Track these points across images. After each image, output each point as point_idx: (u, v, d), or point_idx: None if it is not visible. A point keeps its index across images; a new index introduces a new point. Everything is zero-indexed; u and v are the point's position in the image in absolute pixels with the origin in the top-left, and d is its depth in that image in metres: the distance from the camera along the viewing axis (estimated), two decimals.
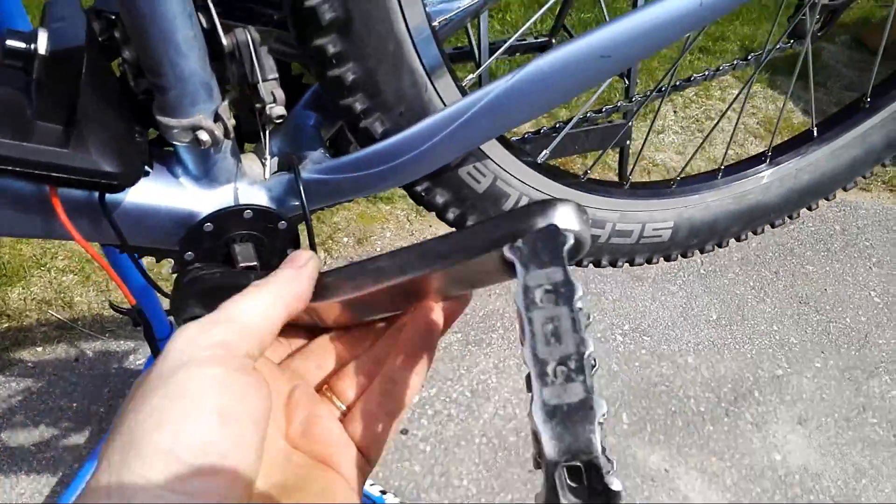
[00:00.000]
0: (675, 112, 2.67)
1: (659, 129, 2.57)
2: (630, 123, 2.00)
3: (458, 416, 1.61)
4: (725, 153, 0.72)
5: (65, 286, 1.70)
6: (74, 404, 1.49)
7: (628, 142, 2.04)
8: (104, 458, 0.27)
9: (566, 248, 0.29)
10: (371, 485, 1.32)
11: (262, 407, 0.30)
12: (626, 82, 1.46)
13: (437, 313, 0.38)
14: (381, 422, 0.37)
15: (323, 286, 0.36)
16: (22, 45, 0.39)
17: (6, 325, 1.60)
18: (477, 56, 1.86)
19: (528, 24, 0.55)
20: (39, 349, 1.58)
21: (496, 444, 1.58)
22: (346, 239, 2.00)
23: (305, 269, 0.36)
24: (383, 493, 1.27)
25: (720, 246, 0.77)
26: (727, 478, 1.60)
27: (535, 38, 2.25)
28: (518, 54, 2.15)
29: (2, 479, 1.35)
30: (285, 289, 0.35)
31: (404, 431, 1.56)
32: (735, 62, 0.67)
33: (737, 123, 0.72)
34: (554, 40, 2.20)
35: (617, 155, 2.30)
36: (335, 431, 0.36)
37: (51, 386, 1.51)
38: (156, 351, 1.34)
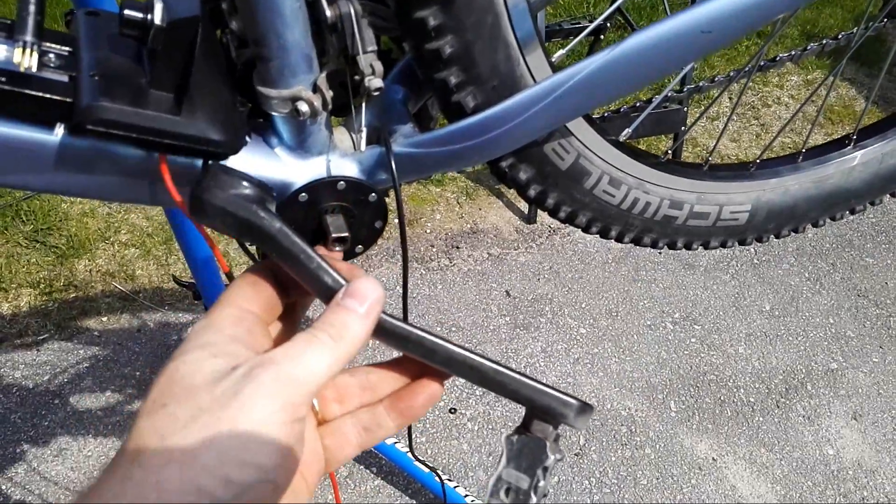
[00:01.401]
0: (730, 98, 2.61)
1: (713, 116, 2.51)
2: (686, 109, 1.97)
3: (506, 399, 1.62)
4: (808, 136, 0.71)
5: (127, 259, 1.76)
6: (137, 373, 1.55)
7: (683, 127, 2.00)
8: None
9: (542, 466, 0.36)
10: (416, 461, 1.34)
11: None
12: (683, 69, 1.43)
13: (440, 390, 0.40)
14: (350, 448, 0.39)
15: (380, 324, 0.36)
16: (139, 15, 0.40)
17: (73, 295, 1.67)
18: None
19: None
20: (104, 319, 1.64)
21: None
22: (396, 220, 2.01)
23: (370, 316, 0.34)
24: (433, 471, 1.28)
25: (796, 231, 0.75)
26: (777, 469, 1.57)
27: (590, 20, 2.21)
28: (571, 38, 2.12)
29: (70, 441, 1.41)
30: (345, 346, 0.33)
31: (452, 410, 1.58)
32: (825, 41, 0.65)
33: (820, 109, 0.70)
34: (609, 24, 2.17)
35: (670, 141, 2.26)
36: (312, 441, 0.37)
37: (115, 354, 1.57)
38: None
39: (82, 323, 1.62)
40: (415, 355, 0.37)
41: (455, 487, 1.37)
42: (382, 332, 0.36)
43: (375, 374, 0.40)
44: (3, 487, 1.35)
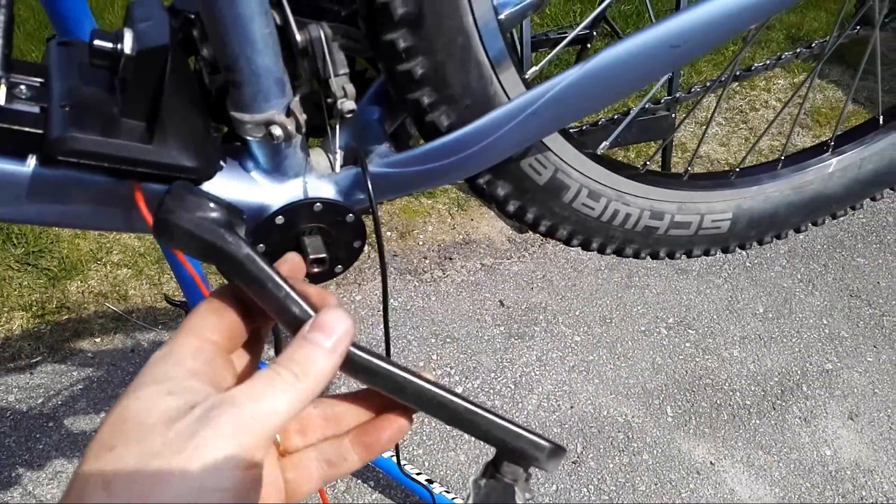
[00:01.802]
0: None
1: (701, 121, 2.53)
2: (674, 115, 1.98)
3: (502, 408, 1.62)
4: (786, 143, 0.71)
5: (120, 279, 1.76)
6: None
7: (672, 134, 2.01)
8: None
9: None
10: (417, 473, 1.33)
11: None
12: (670, 76, 1.44)
13: (407, 425, 0.39)
14: (312, 483, 0.37)
15: (348, 357, 0.35)
16: (109, 45, 0.40)
17: (66, 316, 1.66)
18: (519, 49, 1.85)
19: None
20: (98, 340, 1.64)
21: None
22: (389, 233, 2.01)
23: (336, 350, 0.33)
24: (430, 482, 1.28)
25: (779, 238, 0.76)
26: (775, 472, 1.57)
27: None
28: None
29: (65, 463, 1.41)
30: (309, 384, 0.31)
31: None
32: (798, 50, 0.66)
33: (797, 114, 0.71)
34: (595, 32, 2.18)
35: (656, 146, 2.27)
36: (272, 474, 0.36)
37: (109, 375, 1.57)
38: None
39: (76, 344, 1.62)
40: (383, 391, 0.36)
41: (453, 500, 1.37)
42: (350, 366, 0.35)
43: (340, 405, 0.39)
44: None
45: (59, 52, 0.44)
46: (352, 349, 0.34)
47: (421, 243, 2.01)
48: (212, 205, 0.35)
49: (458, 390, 1.72)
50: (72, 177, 0.43)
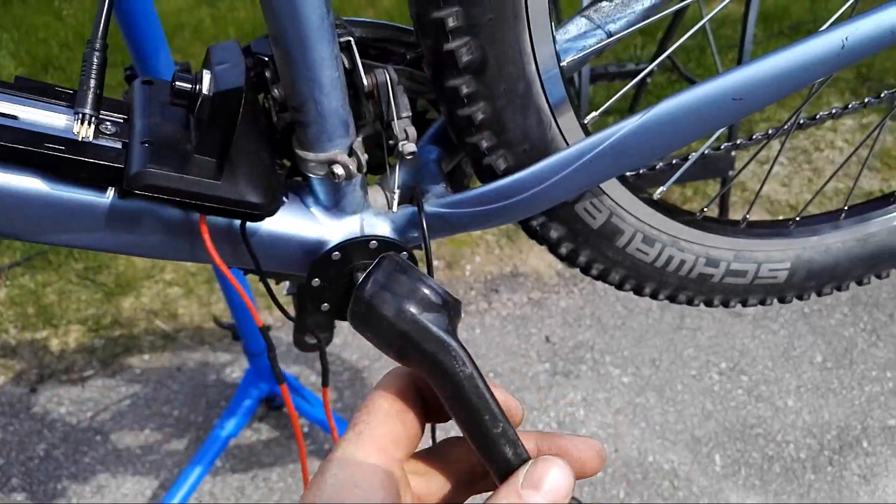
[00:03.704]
0: (780, 142, 2.57)
1: (763, 160, 2.47)
2: (734, 153, 1.95)
3: None
4: (850, 194, 0.69)
5: (170, 298, 1.81)
6: (175, 412, 1.57)
7: (731, 172, 1.98)
8: None
9: None
10: None
11: None
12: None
13: None
14: None
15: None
16: (188, 86, 0.42)
17: (118, 332, 1.72)
18: (578, 83, 1.86)
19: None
20: (146, 357, 1.68)
21: (582, 479, 1.54)
22: (436, 262, 2.02)
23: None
24: None
25: (839, 289, 0.73)
26: None
27: (636, 64, 2.22)
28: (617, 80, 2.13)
29: (109, 478, 1.44)
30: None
31: None
32: (867, 100, 0.64)
33: (867, 158, 0.69)
34: (656, 68, 2.17)
35: (718, 186, 2.23)
36: None
37: (155, 392, 1.61)
38: (253, 364, 1.40)
39: (125, 360, 1.67)
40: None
41: None
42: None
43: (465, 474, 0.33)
44: None
45: (143, 91, 0.47)
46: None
47: (468, 274, 2.01)
48: (430, 295, 0.29)
49: None
50: (145, 209, 0.45)
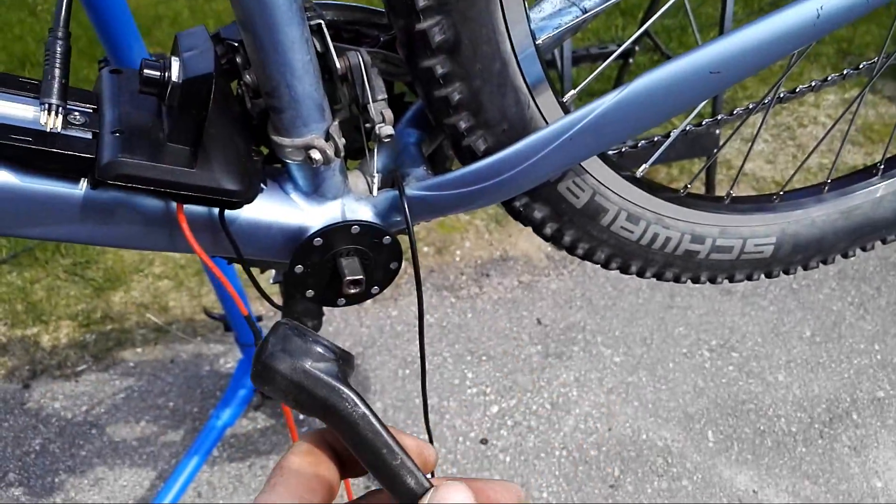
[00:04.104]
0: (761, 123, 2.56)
1: (747, 137, 2.48)
2: (718, 131, 1.94)
3: (538, 429, 1.60)
4: (833, 167, 0.69)
5: (161, 291, 1.80)
6: (171, 403, 1.57)
7: (716, 150, 1.98)
8: None
9: None
10: None
11: None
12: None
13: None
14: None
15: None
16: (157, 74, 0.41)
17: (110, 326, 1.71)
18: (560, 66, 1.85)
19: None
20: (139, 350, 1.68)
21: (576, 458, 1.55)
22: (425, 249, 2.02)
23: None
24: None
25: (825, 263, 0.74)
26: (822, 503, 1.51)
27: (618, 45, 2.21)
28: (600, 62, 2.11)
29: (106, 471, 1.44)
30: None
31: (484, 441, 1.56)
32: (846, 72, 0.64)
33: (846, 133, 0.69)
34: (637, 47, 2.16)
35: (701, 163, 2.23)
36: None
37: (149, 385, 1.60)
38: (246, 354, 1.40)
39: (118, 354, 1.66)
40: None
41: None
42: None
43: None
44: None
45: (111, 80, 0.46)
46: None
47: (458, 259, 2.01)
48: (322, 351, 0.32)
49: (494, 409, 1.71)
50: (120, 199, 0.45)
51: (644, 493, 1.50)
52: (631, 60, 2.11)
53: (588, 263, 0.61)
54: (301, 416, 1.56)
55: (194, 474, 1.36)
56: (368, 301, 1.89)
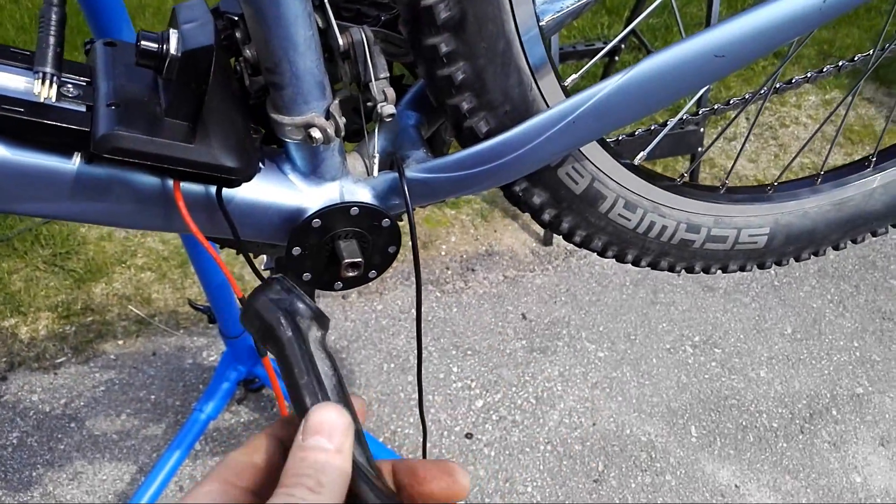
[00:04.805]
0: (747, 118, 2.59)
1: (730, 136, 2.50)
2: (702, 130, 1.96)
3: (523, 423, 1.60)
4: (826, 159, 0.70)
5: (143, 283, 1.77)
6: (152, 396, 1.55)
7: (700, 148, 1.99)
8: None
9: None
10: None
11: None
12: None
13: None
14: None
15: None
16: (155, 46, 0.40)
17: (90, 318, 1.68)
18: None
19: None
20: (120, 342, 1.65)
21: (561, 453, 1.56)
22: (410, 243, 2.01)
23: (342, 451, 0.30)
24: None
25: (816, 254, 0.74)
26: (802, 497, 1.53)
27: (604, 42, 2.22)
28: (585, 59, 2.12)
29: (86, 465, 1.42)
30: (327, 495, 0.29)
31: (469, 436, 1.56)
32: (841, 63, 0.65)
33: (839, 129, 0.69)
34: (623, 45, 2.17)
35: (687, 162, 2.25)
36: None
37: (131, 378, 1.58)
38: (230, 346, 1.38)
39: (99, 346, 1.63)
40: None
41: None
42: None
43: None
44: None
45: (105, 53, 0.45)
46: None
47: (443, 254, 2.01)
48: (288, 295, 0.35)
49: (479, 404, 1.71)
50: (115, 175, 0.43)
51: (628, 488, 1.51)
52: (616, 58, 2.12)
53: (573, 259, 0.61)
54: (289, 407, 1.54)
55: (176, 468, 1.33)
56: (353, 295, 1.87)
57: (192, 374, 1.61)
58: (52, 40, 0.39)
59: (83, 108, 0.42)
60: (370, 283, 1.96)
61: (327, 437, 0.29)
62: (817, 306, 1.96)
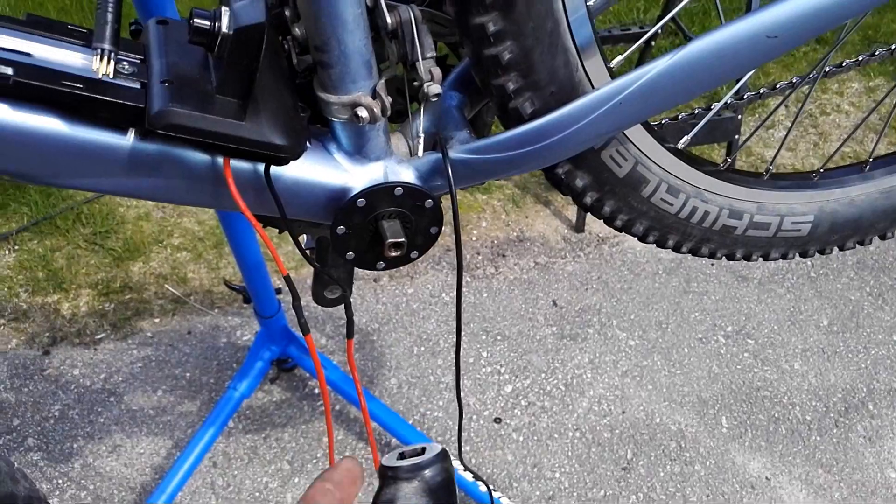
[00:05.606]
0: (786, 106, 2.54)
1: (768, 124, 2.45)
2: (739, 117, 1.92)
3: (552, 409, 1.60)
4: (875, 146, 0.68)
5: (179, 262, 1.81)
6: (187, 374, 1.58)
7: (737, 136, 1.95)
8: None
9: None
10: (463, 470, 1.33)
11: None
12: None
13: None
14: None
15: None
16: (207, 24, 0.41)
17: (128, 296, 1.72)
18: None
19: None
20: (157, 320, 1.69)
21: (589, 440, 1.56)
22: (444, 228, 2.01)
23: None
24: (480, 479, 1.27)
25: (862, 244, 0.73)
26: (835, 492, 1.51)
27: (640, 27, 2.18)
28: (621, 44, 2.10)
29: (124, 438, 1.46)
30: None
31: (497, 420, 1.57)
32: (894, 47, 0.63)
33: (889, 118, 0.67)
34: (660, 30, 2.13)
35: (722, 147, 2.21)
36: None
37: (167, 355, 1.61)
38: (264, 326, 1.40)
39: (136, 324, 1.67)
40: None
41: (500, 498, 1.36)
42: None
43: None
44: (60, 482, 1.40)
45: (158, 31, 0.45)
46: None
47: (474, 239, 2.01)
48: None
49: (508, 389, 1.71)
50: (167, 151, 0.44)
51: (656, 477, 1.51)
52: (653, 44, 2.09)
53: (604, 247, 0.60)
54: (316, 389, 1.56)
55: (211, 444, 1.37)
56: (384, 278, 1.89)
57: (226, 353, 1.64)
58: (110, 17, 0.40)
59: (138, 85, 0.42)
60: (402, 268, 1.97)
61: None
62: (855, 298, 1.92)
